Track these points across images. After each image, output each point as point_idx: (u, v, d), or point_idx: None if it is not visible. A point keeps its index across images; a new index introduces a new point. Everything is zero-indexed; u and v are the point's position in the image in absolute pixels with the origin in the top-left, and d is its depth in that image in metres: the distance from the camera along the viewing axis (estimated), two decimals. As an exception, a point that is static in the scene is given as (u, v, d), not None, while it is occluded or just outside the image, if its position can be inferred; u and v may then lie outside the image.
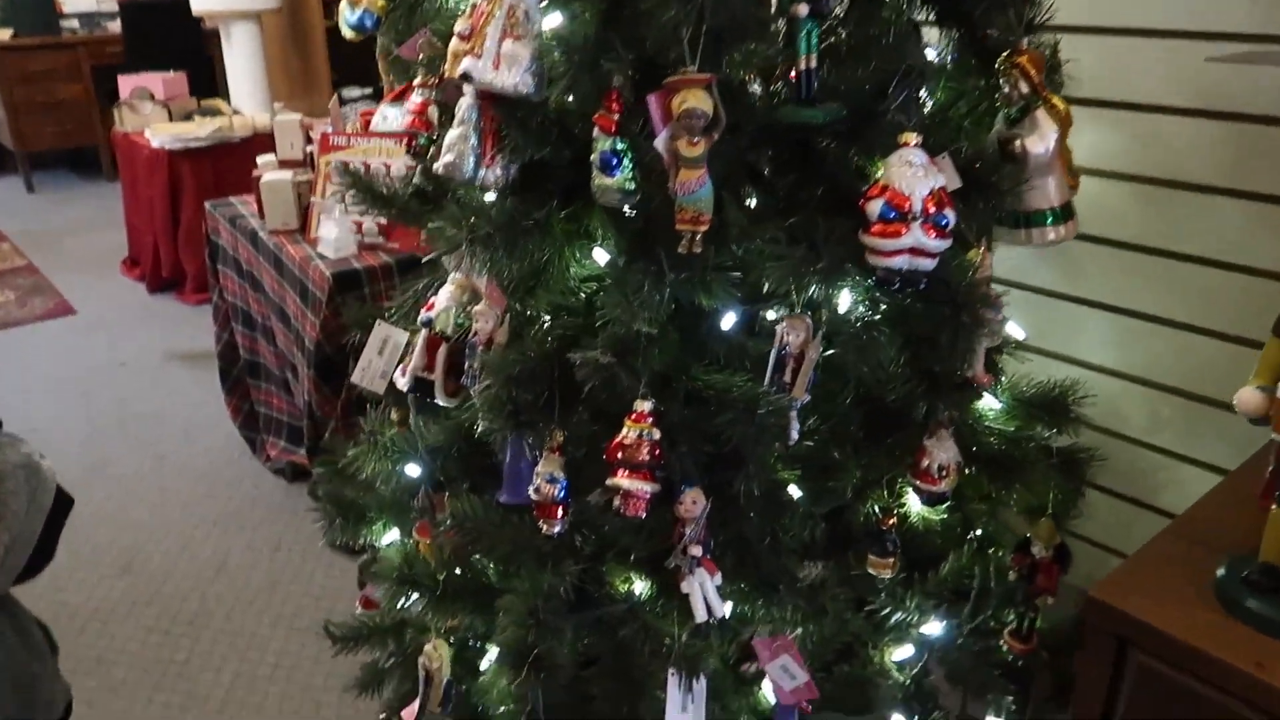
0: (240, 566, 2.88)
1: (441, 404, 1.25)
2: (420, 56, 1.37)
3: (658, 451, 1.05)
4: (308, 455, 3.01)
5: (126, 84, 4.91)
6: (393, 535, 1.57)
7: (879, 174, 1.00)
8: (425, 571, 1.27)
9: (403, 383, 1.24)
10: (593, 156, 1.02)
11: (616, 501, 1.07)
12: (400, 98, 3.38)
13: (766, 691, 1.29)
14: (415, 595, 1.27)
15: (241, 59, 4.89)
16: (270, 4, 4.80)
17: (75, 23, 7.22)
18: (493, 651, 1.29)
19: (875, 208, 0.98)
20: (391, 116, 3.17)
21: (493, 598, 1.25)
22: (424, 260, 1.50)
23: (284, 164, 3.24)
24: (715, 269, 1.03)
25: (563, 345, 1.09)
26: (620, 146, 1.02)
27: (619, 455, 1.05)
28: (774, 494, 1.16)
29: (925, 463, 1.23)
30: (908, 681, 1.39)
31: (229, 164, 4.74)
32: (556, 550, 1.22)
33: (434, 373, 1.22)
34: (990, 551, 1.51)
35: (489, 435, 1.14)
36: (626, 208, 1.05)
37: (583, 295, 1.17)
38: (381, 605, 1.66)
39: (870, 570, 1.31)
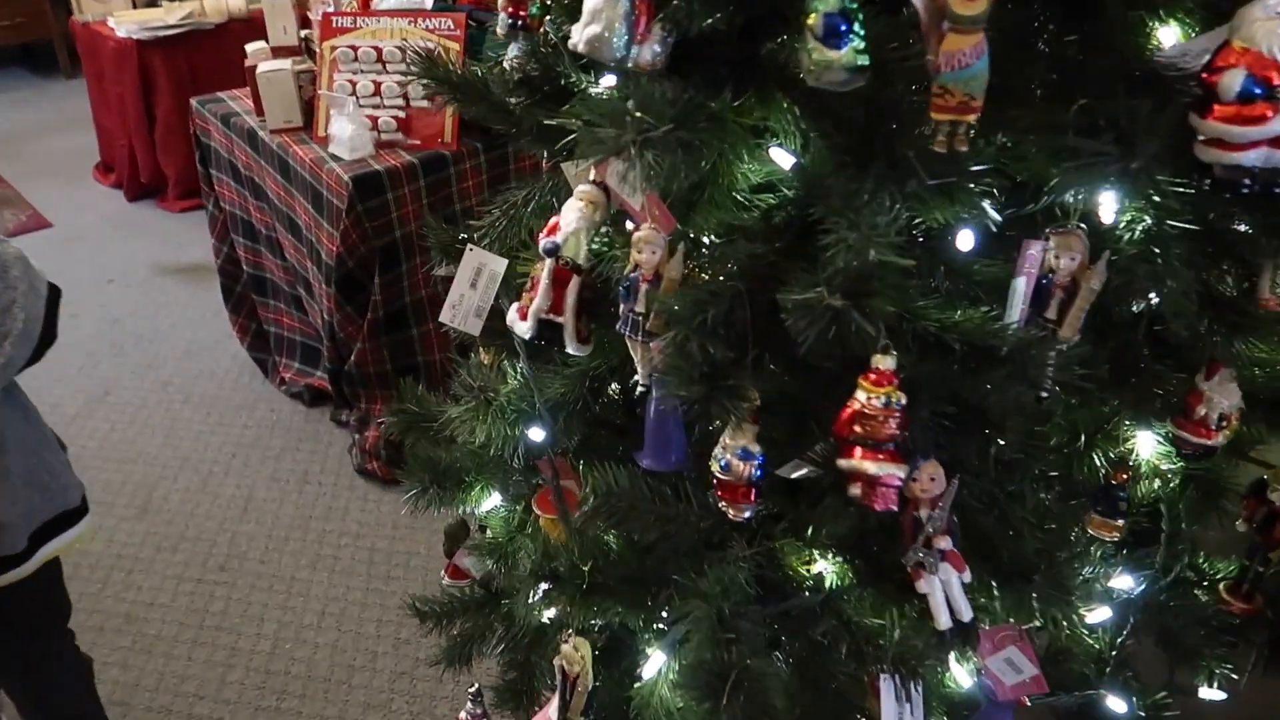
0: (268, 502, 2.66)
1: (572, 352, 0.99)
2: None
3: (905, 423, 0.80)
4: (330, 378, 2.75)
5: (82, -33, 4.41)
6: (493, 500, 1.33)
7: (1236, 34, 0.73)
8: (565, 559, 1.03)
9: (523, 328, 0.97)
10: (810, 21, 0.74)
11: (854, 490, 0.83)
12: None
13: (959, 679, 1.08)
14: (549, 587, 1.04)
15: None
16: None
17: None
18: (656, 657, 1.07)
19: (1233, 81, 0.71)
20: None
21: (648, 589, 1.02)
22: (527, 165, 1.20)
23: (278, 51, 2.86)
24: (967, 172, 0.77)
25: (753, 280, 0.83)
26: (852, 5, 0.73)
27: (856, 429, 0.81)
28: (1021, 463, 0.93)
29: (1201, 410, 0.99)
30: (1107, 649, 1.18)
31: (205, 54, 4.31)
32: (715, 527, 0.99)
33: (563, 314, 0.96)
34: (1183, 489, 1.28)
35: (666, 401, 0.88)
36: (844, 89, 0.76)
37: (756, 211, 0.90)
38: (476, 576, 1.44)
39: (1092, 531, 1.09)
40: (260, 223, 2.87)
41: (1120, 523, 1.08)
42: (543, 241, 0.96)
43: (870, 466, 0.81)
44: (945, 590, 0.90)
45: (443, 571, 1.53)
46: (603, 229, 0.98)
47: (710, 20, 0.82)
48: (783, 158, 0.89)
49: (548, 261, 0.95)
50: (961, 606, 0.90)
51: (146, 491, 2.70)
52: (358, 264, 2.44)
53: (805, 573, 1.03)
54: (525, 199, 1.13)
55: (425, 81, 1.09)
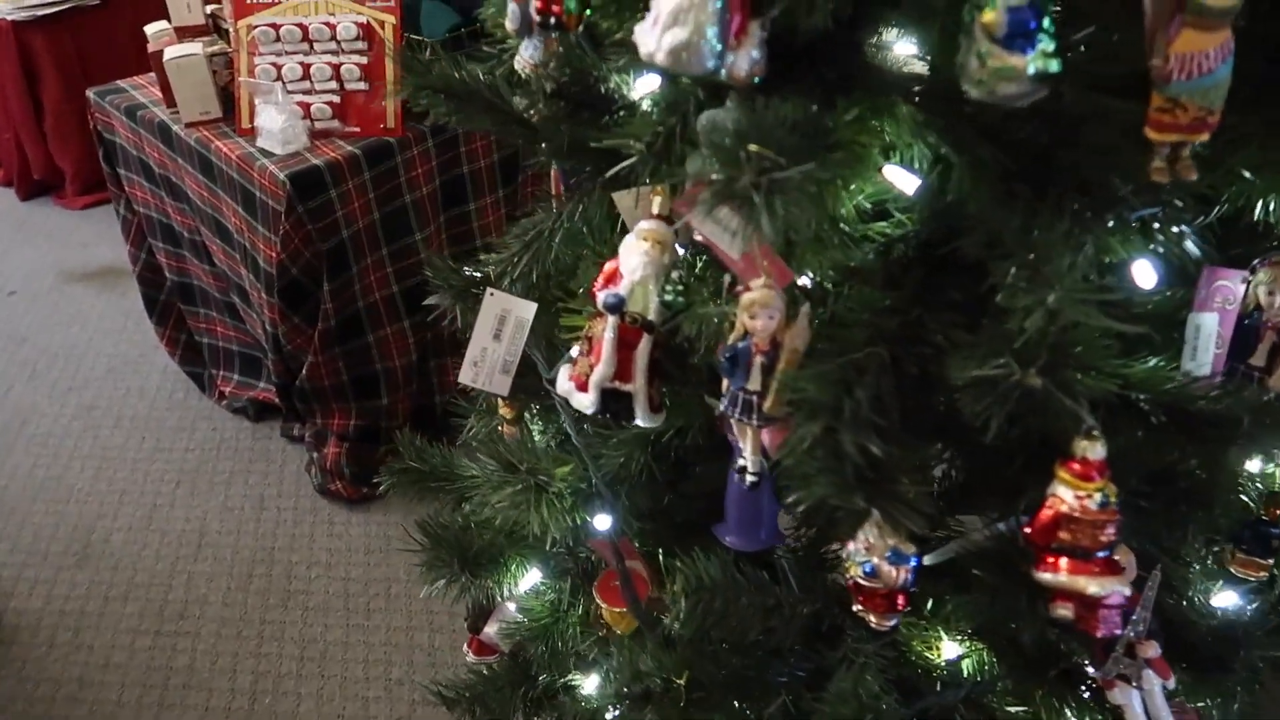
0: (223, 535, 2.42)
1: (644, 424, 0.81)
2: None
3: (1120, 525, 0.65)
4: (278, 392, 2.51)
5: (-62, -60, 3.93)
6: (532, 578, 1.15)
7: None
8: (656, 674, 0.86)
9: (583, 401, 0.78)
10: (987, 18, 0.56)
11: (1062, 611, 0.67)
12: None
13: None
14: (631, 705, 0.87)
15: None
16: None
17: None
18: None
19: None
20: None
21: (754, 697, 0.86)
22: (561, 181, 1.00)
23: (183, 32, 2.55)
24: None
25: (888, 340, 0.66)
26: (1044, -4, 0.56)
27: (1062, 535, 0.65)
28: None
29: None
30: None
31: (92, 34, 3.91)
32: (824, 610, 0.83)
33: (632, 382, 0.77)
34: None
35: (814, 509, 0.70)
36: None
37: (871, 246, 0.72)
38: (504, 650, 1.26)
39: (1236, 570, 0.96)
40: (182, 226, 2.59)
41: (1270, 562, 0.96)
42: (601, 295, 0.77)
43: (1090, 585, 0.66)
44: (1145, 701, 0.76)
45: (466, 646, 1.35)
46: (674, 273, 0.80)
47: (819, 20, 0.63)
48: (903, 178, 0.72)
49: (610, 319, 0.77)
50: (1164, 718, 0.77)
51: (84, 534, 2.44)
52: (302, 270, 2.20)
53: (934, 658, 0.89)
54: (550, 227, 0.93)
55: (421, 94, 0.88)
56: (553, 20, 0.75)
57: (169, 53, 2.30)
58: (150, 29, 2.55)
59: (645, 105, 0.81)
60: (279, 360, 2.39)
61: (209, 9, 2.62)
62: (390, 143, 2.22)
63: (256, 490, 2.55)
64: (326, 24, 2.19)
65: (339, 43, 2.21)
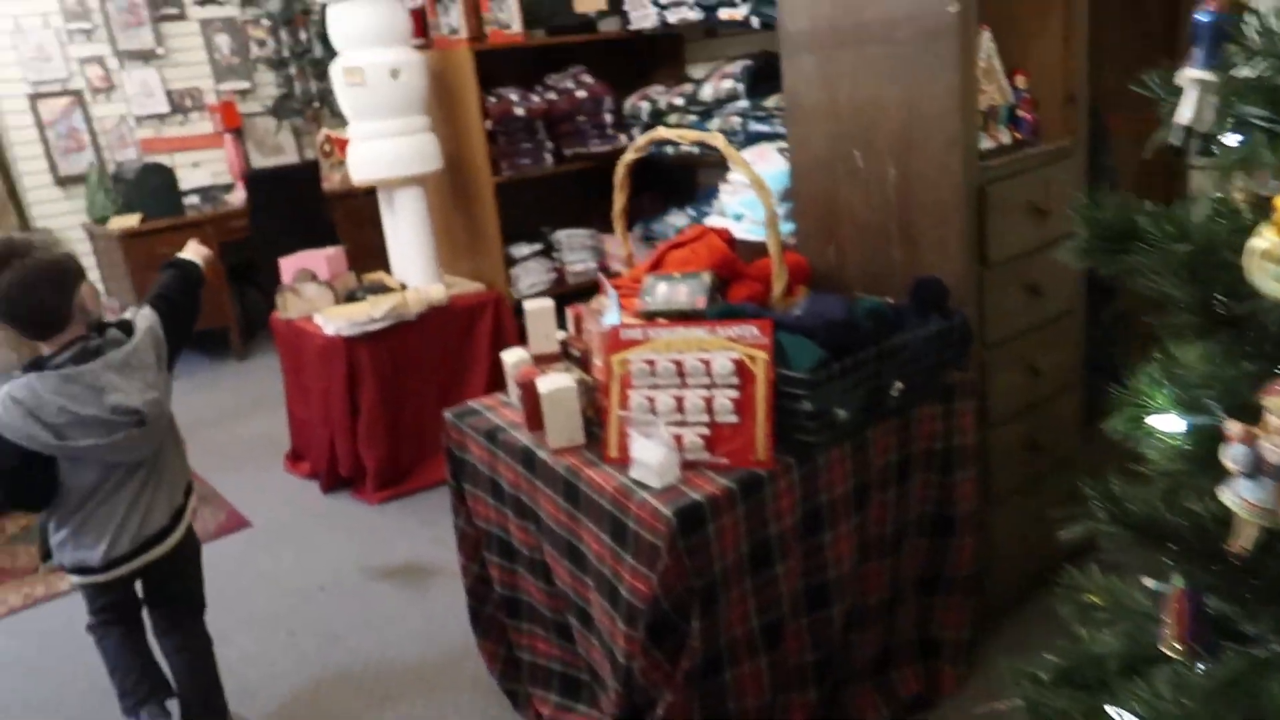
0: None
1: None
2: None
3: None
4: (614, 725, 2.39)
5: (288, 266, 4.54)
6: None
7: None
8: None
9: None
10: None
11: None
12: (658, 265, 2.87)
13: None
14: None
15: (406, 227, 4.49)
16: (436, 165, 4.43)
17: (196, 198, 7.03)
18: None
19: None
20: (669, 291, 2.66)
21: None
22: None
23: (540, 360, 2.72)
24: None
25: None
26: None
27: None
28: None
29: None
30: None
31: (406, 343, 4.32)
32: None
33: None
34: None
35: None
36: None
37: None
38: None
39: None
40: (522, 543, 2.63)
41: None
42: None
43: None
44: None
45: None
46: None
47: None
48: None
49: None
50: None
51: None
52: (673, 605, 2.14)
53: None
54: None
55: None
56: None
57: (544, 385, 2.42)
58: (508, 358, 2.74)
59: None
60: (624, 693, 2.29)
61: (560, 335, 2.81)
62: (761, 474, 2.21)
63: (586, 834, 2.38)
64: (702, 360, 2.27)
65: (713, 378, 2.27)
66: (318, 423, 4.42)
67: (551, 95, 4.59)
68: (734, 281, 2.70)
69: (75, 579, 2.54)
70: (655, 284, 2.65)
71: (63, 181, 6.82)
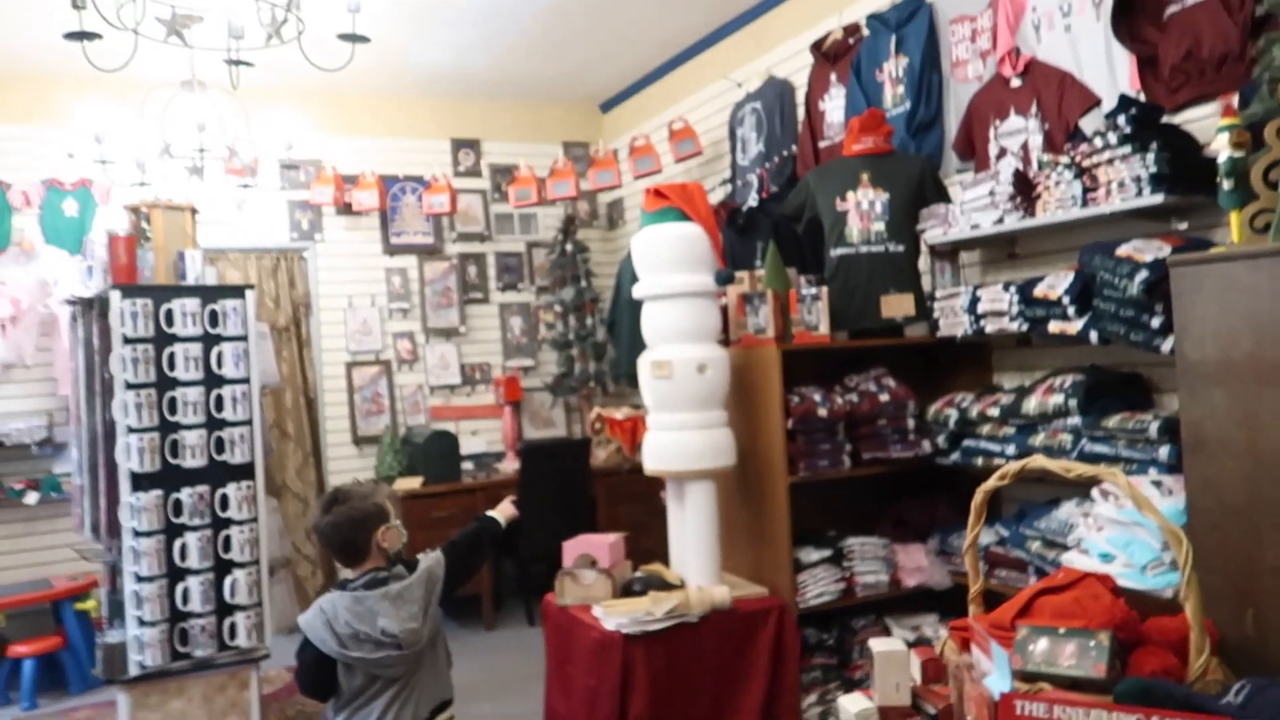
0: None
1: None
2: None
3: None
4: None
5: (571, 549, 4.45)
6: None
7: None
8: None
9: None
10: None
11: None
12: (1025, 611, 2.45)
13: None
14: None
15: (694, 521, 4.33)
16: (730, 461, 4.31)
17: (470, 464, 7.33)
18: None
19: None
20: (1050, 649, 2.24)
21: None
22: None
23: (887, 714, 2.34)
24: None
25: None
26: None
27: None
28: None
29: None
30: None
31: (683, 648, 4.02)
32: None
33: None
34: None
35: None
36: None
37: None
38: None
39: None
40: None
41: None
42: None
43: None
44: None
45: None
46: None
47: None
48: None
49: None
50: None
51: None
52: None
53: None
54: None
55: None
56: None
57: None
58: (849, 705, 2.38)
59: None
60: None
61: (913, 683, 2.42)
62: None
63: None
64: None
65: None
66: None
67: (853, 397, 4.44)
68: (1136, 647, 2.24)
69: None
70: (1034, 636, 2.25)
71: (359, 441, 7.35)
